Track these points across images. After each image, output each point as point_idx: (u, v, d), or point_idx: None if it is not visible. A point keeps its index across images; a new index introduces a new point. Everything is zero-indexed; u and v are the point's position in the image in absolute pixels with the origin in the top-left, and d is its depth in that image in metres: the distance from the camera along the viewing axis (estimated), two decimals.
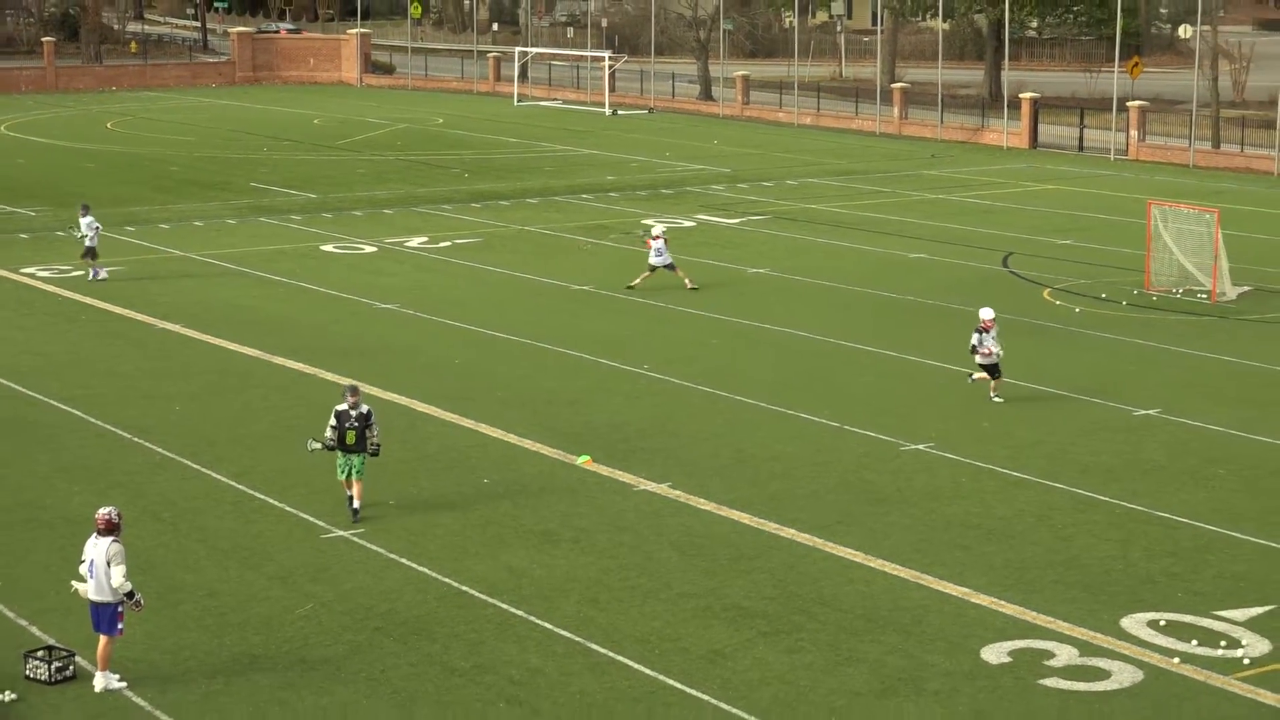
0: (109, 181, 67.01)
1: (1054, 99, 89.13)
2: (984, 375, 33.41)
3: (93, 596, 20.15)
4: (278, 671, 20.82)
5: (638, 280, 44.45)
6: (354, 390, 26.17)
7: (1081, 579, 23.95)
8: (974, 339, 32.98)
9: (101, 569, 20.03)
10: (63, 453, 30.00)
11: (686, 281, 44.32)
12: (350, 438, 25.83)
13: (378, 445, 26.22)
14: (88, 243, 45.36)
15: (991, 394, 33.29)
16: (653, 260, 44.31)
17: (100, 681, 20.14)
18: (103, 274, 45.51)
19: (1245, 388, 34.74)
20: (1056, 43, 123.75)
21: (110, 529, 20.19)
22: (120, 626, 20.22)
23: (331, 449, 26.17)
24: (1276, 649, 21.45)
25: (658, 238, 44.72)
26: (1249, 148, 74.46)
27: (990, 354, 32.98)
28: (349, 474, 26.09)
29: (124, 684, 20.16)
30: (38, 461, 29.48)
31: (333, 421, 25.92)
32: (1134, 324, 40.72)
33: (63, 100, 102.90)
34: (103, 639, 20.18)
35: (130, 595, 20.06)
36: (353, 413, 25.81)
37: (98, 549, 20.12)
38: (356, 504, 26.15)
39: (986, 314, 33.09)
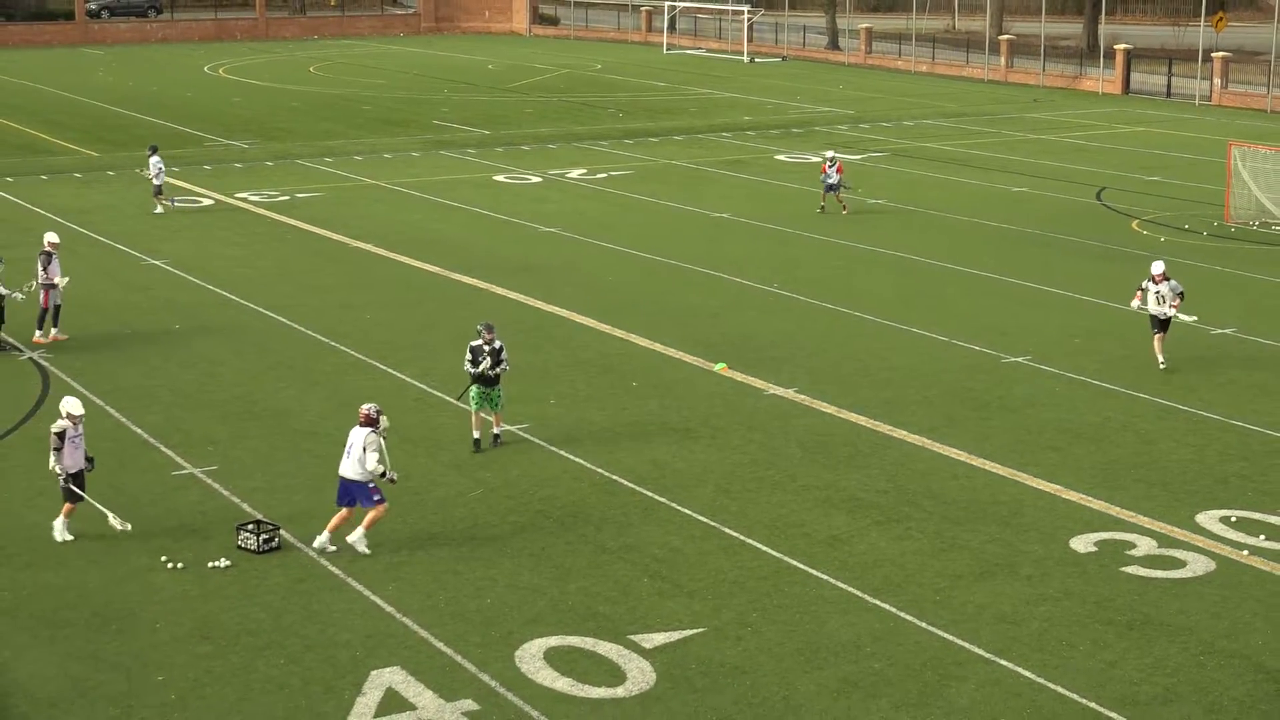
0: (311, 119, 67.52)
1: (1145, 50, 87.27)
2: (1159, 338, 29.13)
3: (347, 474, 20.54)
4: (452, 546, 21.04)
5: (823, 205, 44.86)
6: (489, 327, 24.58)
7: (1161, 478, 23.64)
8: (1143, 286, 29.32)
9: (358, 453, 20.41)
10: (271, 354, 30.39)
11: (823, 205, 44.43)
12: (486, 369, 24.46)
13: (506, 367, 24.69)
14: (156, 181, 44.46)
15: (1159, 355, 29.12)
16: (829, 182, 44.48)
17: (354, 538, 20.76)
18: (174, 203, 45.16)
19: None
20: None
21: (369, 422, 20.50)
22: (377, 498, 20.62)
23: (461, 395, 25.02)
24: None
25: (833, 163, 44.60)
26: None
27: (1166, 308, 28.85)
28: (488, 405, 24.68)
29: (368, 551, 20.71)
30: (250, 361, 29.90)
31: (469, 356, 24.55)
32: (1214, 252, 39.98)
33: (272, 47, 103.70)
34: (368, 511, 20.62)
35: (383, 475, 20.46)
36: (487, 348, 24.37)
37: (358, 436, 20.47)
38: (497, 429, 24.96)
39: (1157, 268, 29.29)
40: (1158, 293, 28.86)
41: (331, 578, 20.03)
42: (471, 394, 24.66)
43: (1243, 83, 76.34)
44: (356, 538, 20.82)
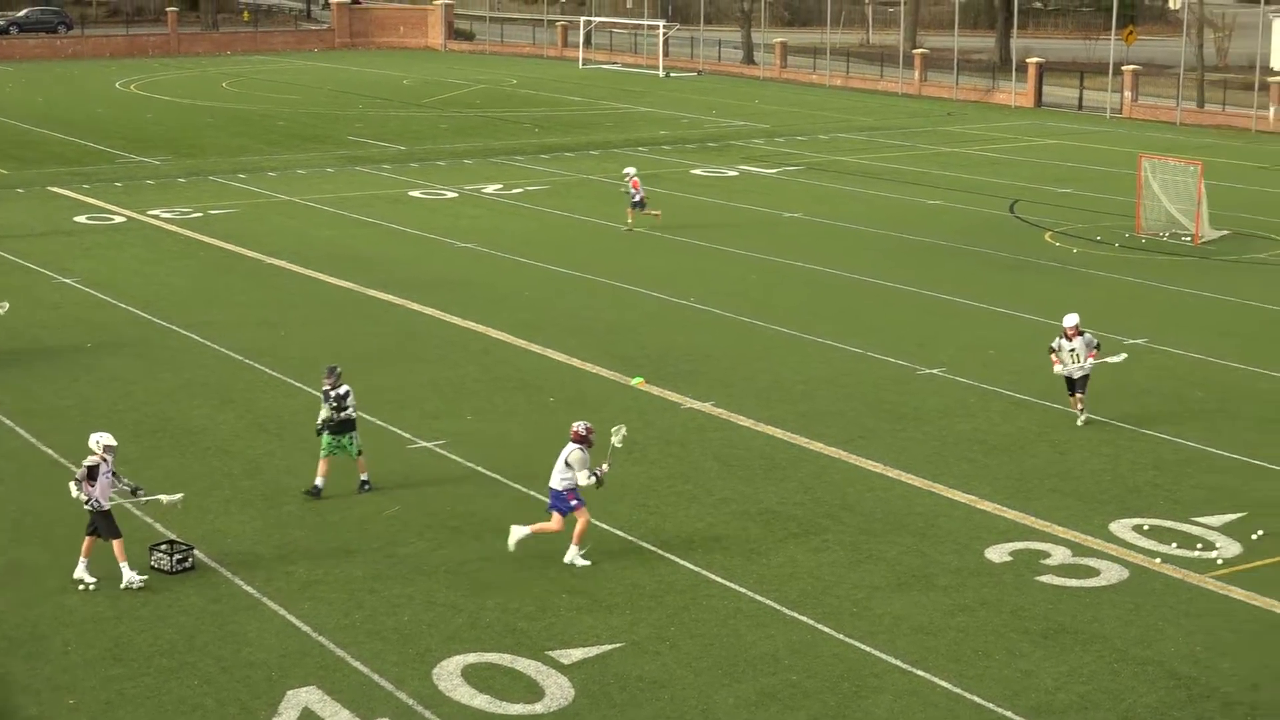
0: (224, 134, 67.07)
1: (1057, 63, 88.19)
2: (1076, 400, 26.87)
3: (552, 484, 21.01)
4: (368, 564, 20.93)
5: (630, 222, 44.59)
6: (330, 371, 23.16)
7: (1075, 488, 23.86)
8: (1055, 345, 26.79)
9: (561, 466, 20.86)
10: (184, 372, 30.13)
11: (630, 223, 44.61)
12: (325, 417, 23.06)
13: (353, 413, 23.17)
14: None
15: (1078, 413, 26.80)
16: (635, 199, 44.36)
17: (571, 555, 20.96)
18: None
19: (1222, 320, 34.47)
20: (1060, 13, 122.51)
21: (578, 439, 20.87)
22: (575, 502, 20.89)
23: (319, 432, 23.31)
24: (1246, 551, 21.35)
25: (633, 180, 44.64)
26: (1230, 107, 73.68)
27: (1075, 363, 26.53)
28: (340, 452, 23.18)
29: (587, 561, 20.87)
30: (163, 379, 29.63)
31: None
32: (1125, 263, 40.41)
33: (184, 63, 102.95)
34: (577, 517, 20.94)
35: (600, 483, 21.05)
36: (332, 392, 22.98)
37: (568, 451, 20.89)
38: (363, 475, 23.54)
39: (1069, 321, 26.80)
40: (1072, 350, 26.33)
41: (246, 597, 19.87)
42: (322, 440, 23.27)
43: (1153, 95, 77.28)
44: (572, 555, 20.96)
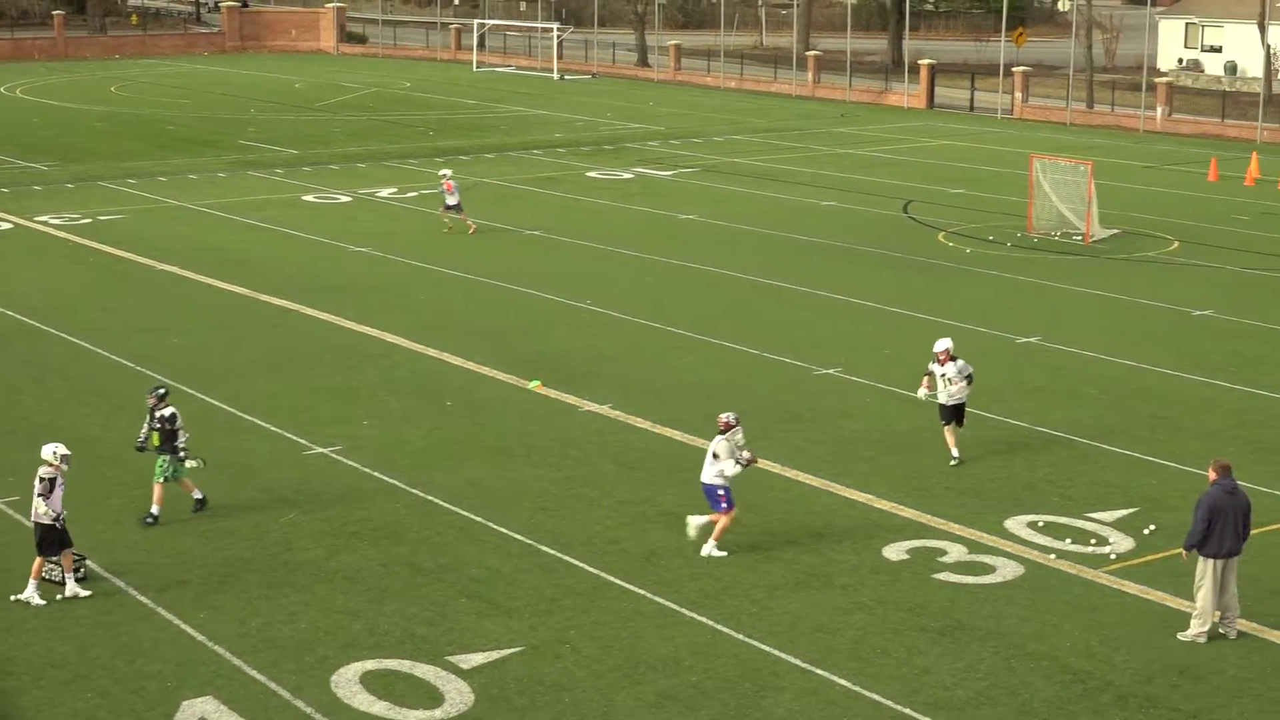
0: (113, 139, 66.28)
1: (948, 65, 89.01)
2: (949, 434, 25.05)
3: (704, 479, 21.34)
4: (265, 572, 20.75)
5: (449, 226, 44.42)
6: (152, 391, 22.56)
7: (971, 486, 24.07)
8: (929, 369, 25.15)
9: (709, 459, 21.24)
10: (74, 380, 29.75)
11: (449, 226, 44.38)
12: (155, 440, 22.28)
13: (185, 452, 22.31)
14: None
15: (951, 448, 25.03)
16: (448, 201, 44.28)
17: (707, 549, 21.30)
18: None
19: (1113, 318, 34.92)
20: (951, 15, 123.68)
21: (727, 428, 21.21)
22: (725, 505, 21.17)
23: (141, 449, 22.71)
24: (1139, 546, 21.63)
25: (446, 183, 44.61)
26: (1119, 108, 74.70)
27: (943, 391, 24.80)
28: (172, 475, 22.36)
29: (724, 553, 21.18)
30: (52, 388, 29.24)
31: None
32: (1018, 263, 40.85)
33: (72, 67, 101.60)
34: (719, 516, 21.23)
35: (749, 463, 21.31)
36: (156, 414, 22.28)
37: (718, 443, 21.22)
38: (197, 495, 22.78)
39: (940, 345, 25.14)
40: (944, 375, 24.68)
41: (140, 607, 19.63)
42: (158, 463, 22.42)
43: (1043, 96, 78.19)
44: (709, 549, 21.27)
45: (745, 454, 21.36)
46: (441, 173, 45.82)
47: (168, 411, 22.32)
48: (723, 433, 21.28)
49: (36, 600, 19.83)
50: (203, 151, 62.44)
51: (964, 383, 24.72)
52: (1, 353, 31.65)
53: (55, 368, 30.58)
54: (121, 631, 18.94)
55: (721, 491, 21.23)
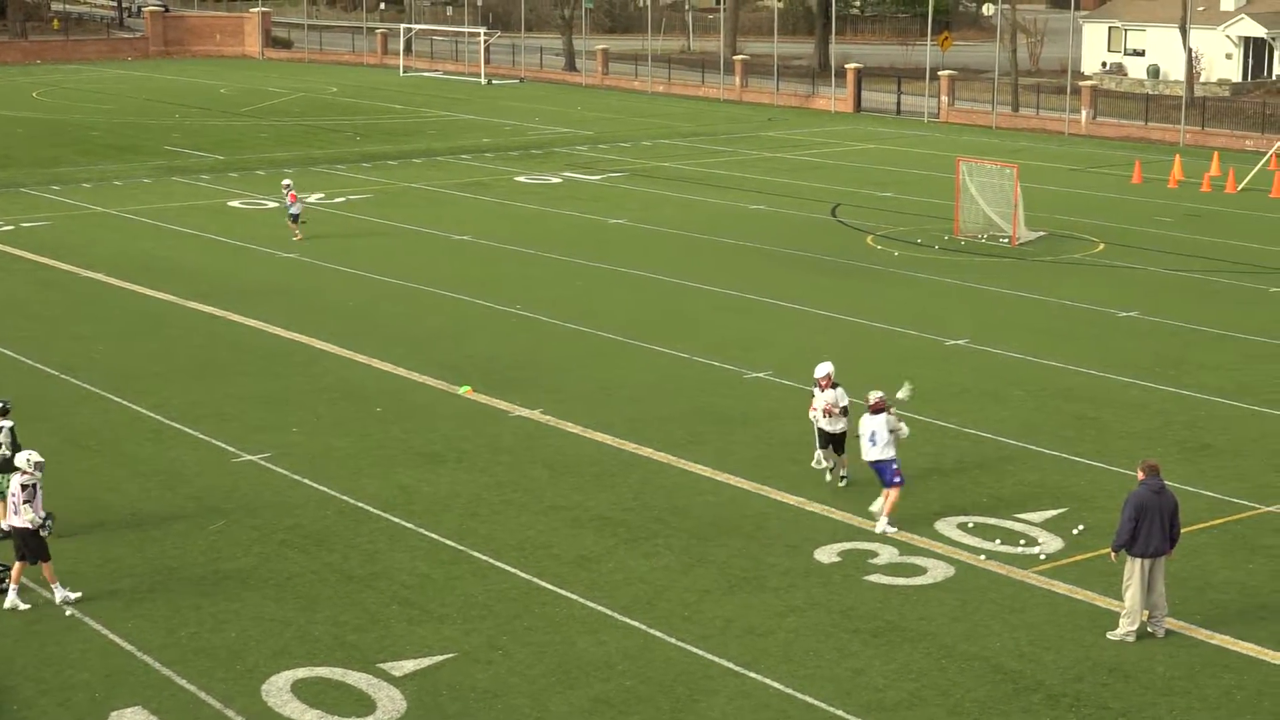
0: (36, 145, 65.66)
1: (875, 69, 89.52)
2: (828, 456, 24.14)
3: (871, 458, 22.28)
4: (194, 581, 20.60)
5: (297, 235, 44.29)
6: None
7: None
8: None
9: (867, 438, 22.17)
10: None
11: (297, 234, 44.30)
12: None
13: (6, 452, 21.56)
14: None
15: (840, 471, 24.07)
16: (291, 211, 44.53)
17: (880, 525, 22.25)
18: None
19: (1039, 319, 35.17)
20: (877, 19, 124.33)
21: (878, 408, 22.18)
22: (898, 480, 22.22)
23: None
24: (1068, 546, 21.78)
25: (290, 193, 44.90)
26: (1043, 111, 75.26)
27: (829, 415, 23.66)
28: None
29: (894, 529, 22.17)
30: None
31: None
32: (945, 265, 41.08)
33: None
34: (890, 491, 22.25)
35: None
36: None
37: (875, 424, 22.12)
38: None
39: (820, 370, 23.92)
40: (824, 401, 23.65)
41: (67, 618, 19.44)
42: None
43: (969, 100, 78.70)
44: (883, 525, 22.19)
45: (903, 426, 22.47)
46: (284, 183, 46.12)
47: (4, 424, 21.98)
48: (875, 413, 22.17)
49: (72, 596, 19.76)
50: (127, 157, 61.95)
51: (840, 414, 23.52)
52: None
53: None
54: (48, 642, 18.76)
55: (896, 465, 22.18)
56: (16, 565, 19.87)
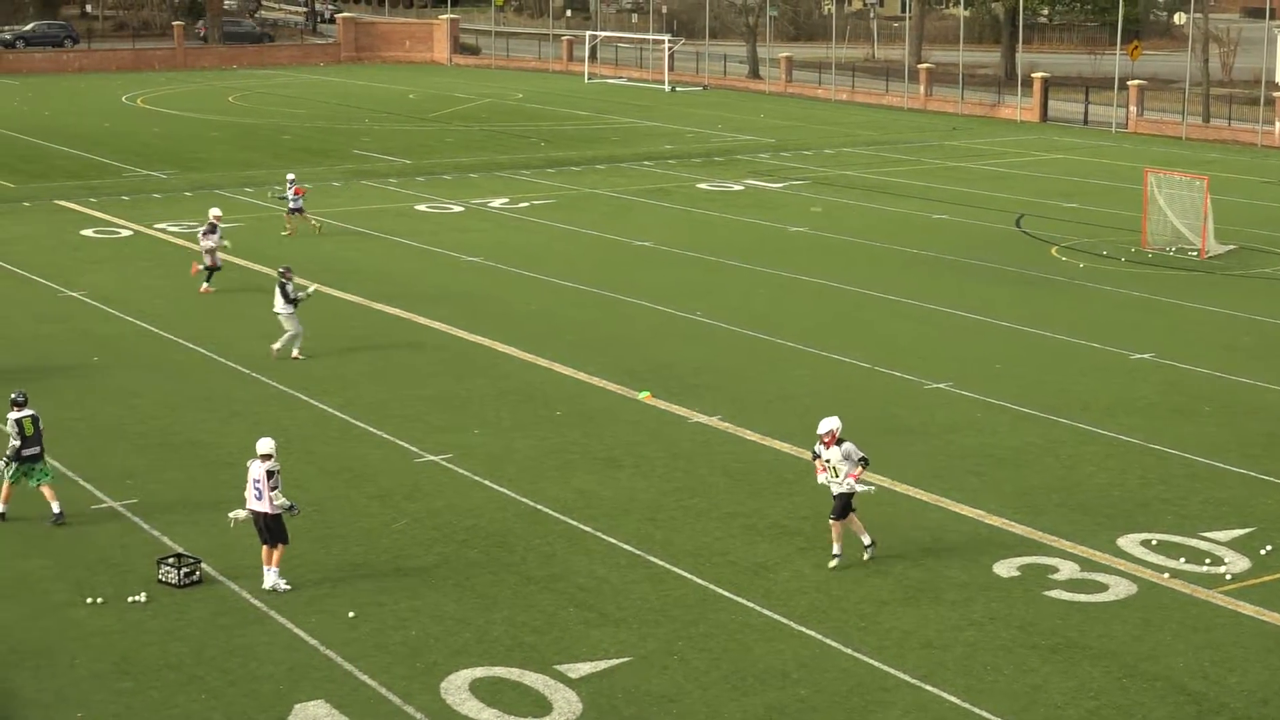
0: (231, 148, 67.15)
1: (1062, 78, 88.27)
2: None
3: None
4: (376, 578, 20.92)
5: (288, 230, 45.78)
6: (13, 398, 22.81)
7: (1083, 503, 23.82)
8: (815, 451, 21.68)
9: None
10: (190, 385, 30.14)
11: (289, 229, 45.63)
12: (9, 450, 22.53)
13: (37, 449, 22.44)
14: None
15: (864, 540, 21.58)
16: (292, 205, 45.74)
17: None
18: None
19: (1228, 334, 34.44)
20: (1065, 28, 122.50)
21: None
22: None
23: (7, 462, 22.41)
24: (1255, 566, 21.31)
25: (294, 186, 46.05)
26: (1235, 122, 73.67)
27: (834, 478, 21.32)
28: (29, 479, 22.54)
29: None
30: (169, 393, 29.64)
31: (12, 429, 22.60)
32: (1131, 278, 40.40)
33: (190, 77, 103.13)
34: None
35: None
36: (12, 418, 22.58)
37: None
38: (56, 507, 22.63)
39: (825, 426, 21.44)
40: (828, 460, 21.37)
41: (253, 611, 19.85)
42: (7, 469, 22.48)
43: (1158, 110, 77.31)
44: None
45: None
46: (289, 177, 47.31)
47: (25, 414, 22.57)
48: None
49: (283, 586, 20.35)
50: (318, 161, 63.11)
51: (849, 466, 21.10)
52: (122, 357, 32.14)
53: (172, 373, 31.00)
54: (235, 634, 19.16)
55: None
56: (265, 549, 20.44)
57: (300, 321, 31.87)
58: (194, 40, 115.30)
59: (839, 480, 21.17)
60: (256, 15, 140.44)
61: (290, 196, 45.76)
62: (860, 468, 21.15)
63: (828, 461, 21.28)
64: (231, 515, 21.00)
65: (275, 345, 31.78)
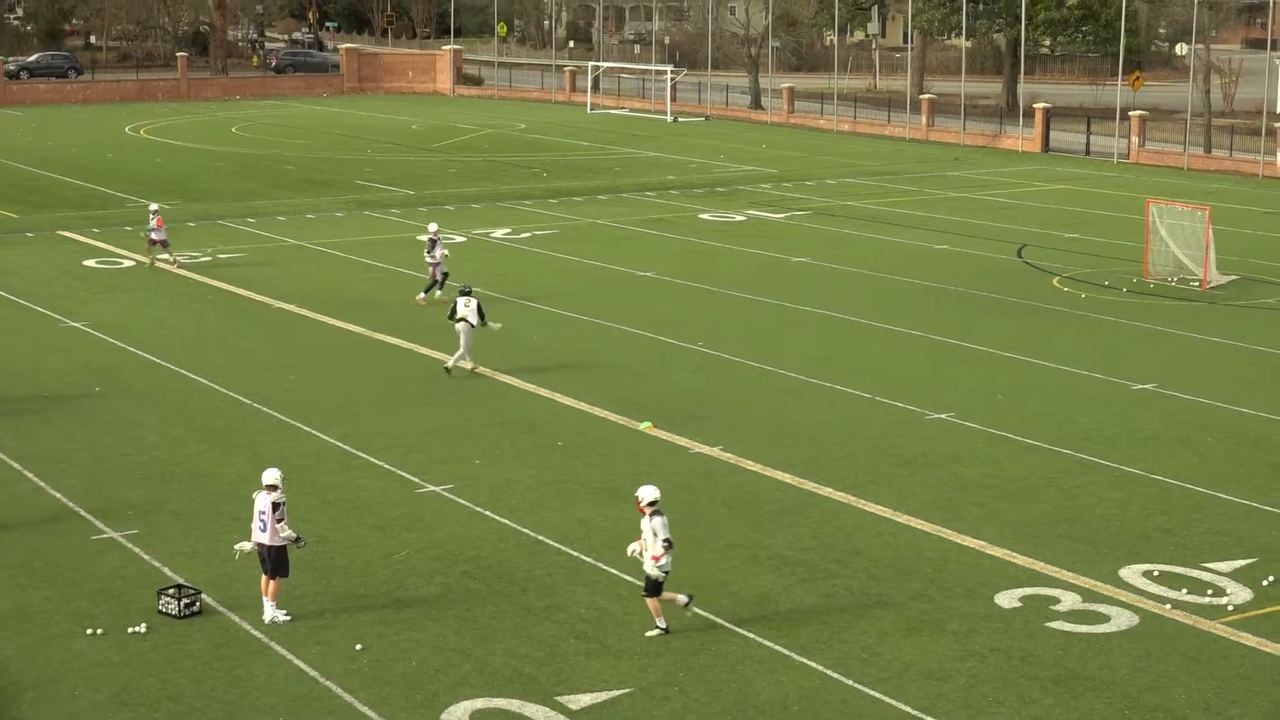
0: (234, 179, 67.28)
1: (1064, 109, 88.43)
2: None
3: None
4: (377, 609, 20.89)
5: (148, 259, 45.73)
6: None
7: (1084, 533, 23.79)
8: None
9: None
10: (192, 416, 30.15)
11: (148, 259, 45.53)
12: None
13: None
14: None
15: (656, 622, 20.06)
16: (153, 237, 45.45)
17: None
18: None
19: (1230, 365, 34.43)
20: (1067, 59, 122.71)
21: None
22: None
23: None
24: (1258, 597, 21.28)
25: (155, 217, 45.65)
26: (1237, 153, 73.75)
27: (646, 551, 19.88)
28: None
29: None
30: (171, 423, 29.64)
31: None
32: (1133, 308, 40.41)
33: (194, 107, 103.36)
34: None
35: None
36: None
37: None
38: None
39: (644, 493, 20.11)
40: (652, 530, 19.78)
41: (254, 642, 19.83)
42: None
43: (1160, 141, 77.43)
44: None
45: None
46: (151, 208, 47.15)
47: None
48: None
49: (282, 618, 20.32)
50: (321, 191, 63.22)
51: (654, 546, 19.68)
52: (123, 388, 32.15)
53: (174, 403, 31.02)
54: (236, 666, 19.13)
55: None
56: (264, 580, 20.43)
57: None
58: (257, 70, 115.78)
59: (653, 551, 19.68)
60: (260, 46, 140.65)
61: (152, 227, 45.56)
62: (663, 549, 19.62)
63: (652, 531, 19.71)
64: (237, 547, 21.00)
65: (461, 361, 32.93)
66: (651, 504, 19.90)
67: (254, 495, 20.59)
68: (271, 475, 20.40)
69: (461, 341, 32.93)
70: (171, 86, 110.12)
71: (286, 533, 20.27)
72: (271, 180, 66.82)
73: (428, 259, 40.79)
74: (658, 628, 20.09)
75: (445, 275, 40.51)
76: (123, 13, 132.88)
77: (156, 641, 19.82)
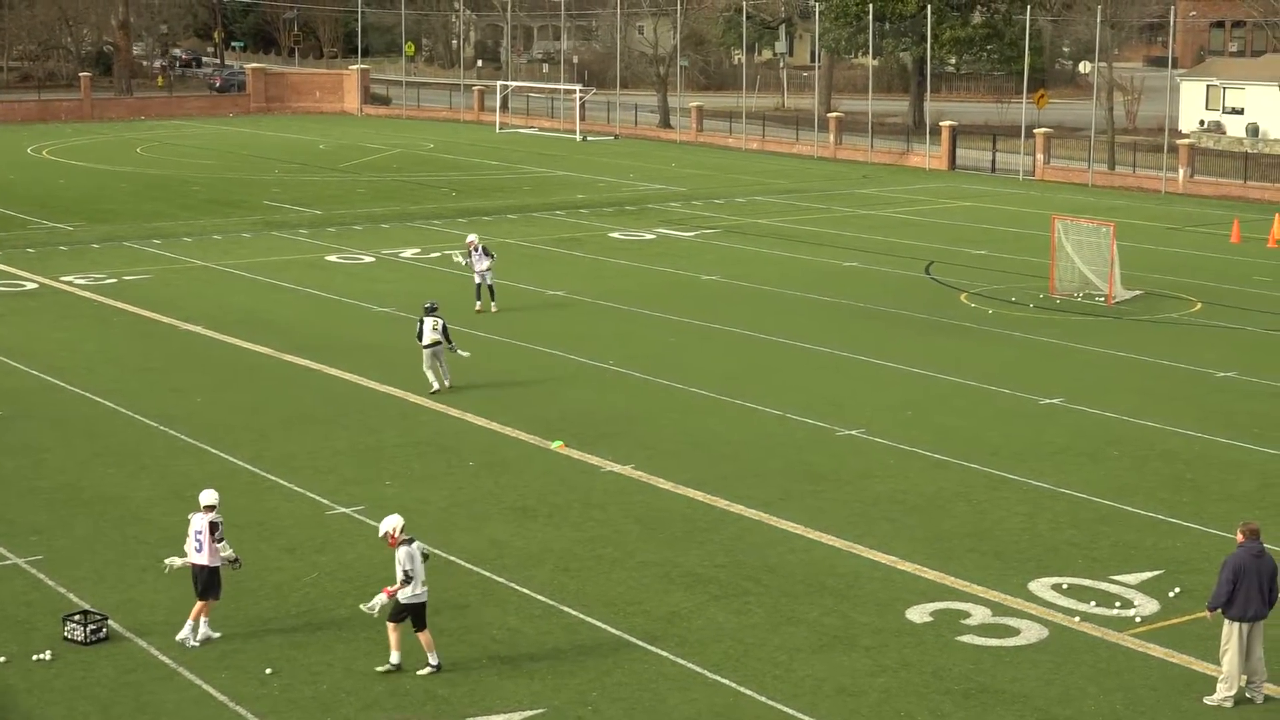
0: (138, 200, 66.64)
1: (970, 126, 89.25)
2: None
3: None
4: (287, 632, 20.73)
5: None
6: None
7: (994, 548, 23.98)
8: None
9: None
10: (98, 439, 29.82)
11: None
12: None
13: None
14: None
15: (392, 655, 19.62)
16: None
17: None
18: None
19: (1136, 379, 34.83)
20: (972, 77, 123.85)
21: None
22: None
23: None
24: (1165, 609, 21.51)
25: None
26: (1140, 169, 74.73)
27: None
28: None
29: None
30: (77, 447, 29.30)
31: None
32: (1040, 324, 40.80)
33: (98, 128, 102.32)
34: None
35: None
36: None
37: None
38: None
39: (385, 525, 19.84)
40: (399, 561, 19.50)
41: (162, 667, 19.62)
42: None
43: (1064, 158, 78.30)
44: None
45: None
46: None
47: None
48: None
49: (195, 640, 20.15)
50: (227, 212, 62.75)
51: (398, 577, 19.42)
52: (26, 412, 31.75)
53: (79, 427, 30.66)
54: (143, 692, 18.92)
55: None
56: (199, 603, 20.25)
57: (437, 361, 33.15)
58: (203, 90, 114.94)
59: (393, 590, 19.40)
60: (170, 69, 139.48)
61: None
62: (401, 581, 19.28)
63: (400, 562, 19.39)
64: (167, 561, 20.82)
65: (444, 380, 33.26)
66: (389, 534, 19.56)
67: (189, 516, 20.44)
68: (209, 496, 20.34)
69: (431, 364, 33.09)
70: (75, 107, 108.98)
71: (227, 552, 20.19)
72: (177, 201, 66.26)
73: (473, 266, 41.68)
74: (391, 665, 19.49)
75: (491, 288, 41.67)
76: (24, 32, 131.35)
77: (62, 669, 19.57)
